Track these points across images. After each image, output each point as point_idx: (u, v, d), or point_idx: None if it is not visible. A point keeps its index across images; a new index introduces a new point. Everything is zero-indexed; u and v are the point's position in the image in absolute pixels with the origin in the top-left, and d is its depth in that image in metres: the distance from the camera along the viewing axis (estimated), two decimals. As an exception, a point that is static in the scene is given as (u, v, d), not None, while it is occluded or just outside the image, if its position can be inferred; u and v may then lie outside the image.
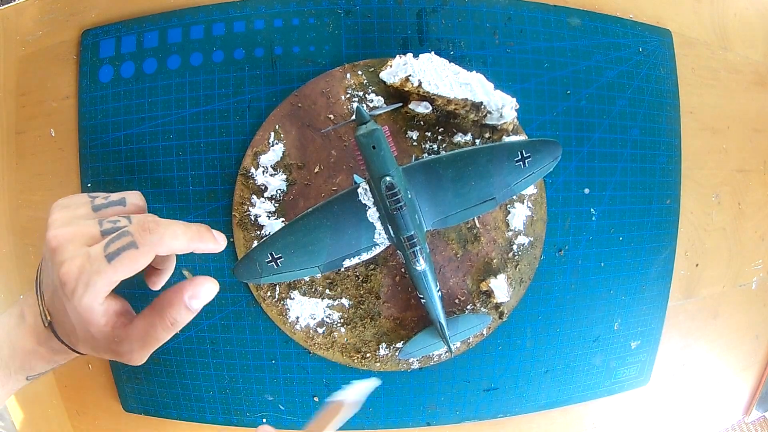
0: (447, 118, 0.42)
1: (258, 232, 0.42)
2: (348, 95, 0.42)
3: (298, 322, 0.43)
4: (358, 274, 0.43)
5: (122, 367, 0.46)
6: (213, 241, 0.32)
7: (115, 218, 0.31)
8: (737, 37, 0.52)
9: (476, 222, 0.43)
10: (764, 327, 0.57)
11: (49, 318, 0.31)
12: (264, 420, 0.45)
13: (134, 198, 0.33)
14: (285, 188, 0.42)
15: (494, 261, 0.44)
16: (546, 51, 0.45)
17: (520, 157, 0.36)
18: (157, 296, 0.32)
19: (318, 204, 0.36)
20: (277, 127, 0.42)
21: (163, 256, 0.36)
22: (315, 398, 0.45)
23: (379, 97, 0.42)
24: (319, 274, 0.38)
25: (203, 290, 0.32)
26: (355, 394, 0.35)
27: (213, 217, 0.43)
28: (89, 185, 0.44)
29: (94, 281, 0.28)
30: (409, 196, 0.36)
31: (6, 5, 0.46)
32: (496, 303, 0.43)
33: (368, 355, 0.43)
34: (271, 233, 0.36)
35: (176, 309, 0.31)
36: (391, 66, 0.40)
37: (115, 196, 0.33)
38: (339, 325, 0.43)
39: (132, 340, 0.31)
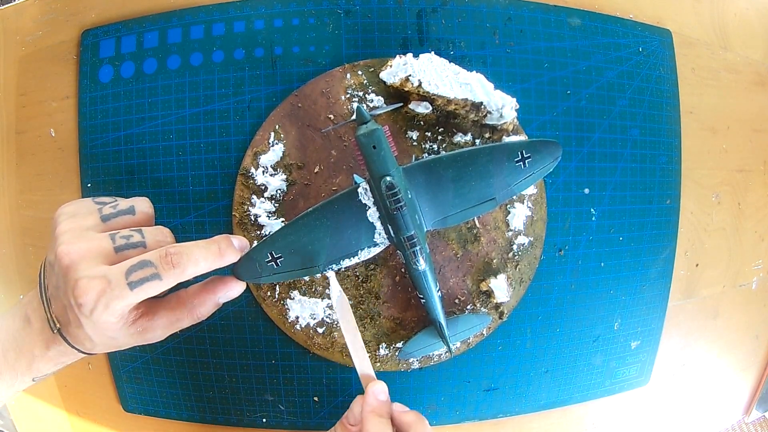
0: (447, 118, 0.42)
1: (258, 232, 0.42)
2: (348, 95, 0.42)
3: (298, 322, 0.43)
4: (358, 274, 0.43)
5: (122, 367, 0.46)
6: (233, 254, 0.32)
7: (128, 233, 0.30)
8: (737, 37, 0.52)
9: (476, 222, 0.43)
10: (764, 327, 0.57)
11: (58, 325, 0.31)
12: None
13: (142, 206, 0.33)
14: (285, 188, 0.42)
15: (494, 261, 0.44)
16: (546, 51, 0.45)
17: (520, 157, 0.36)
18: (184, 289, 0.33)
19: (318, 204, 0.36)
20: (277, 127, 0.42)
21: None
22: (315, 398, 0.45)
23: (379, 97, 0.42)
24: (319, 274, 0.38)
25: (234, 292, 0.34)
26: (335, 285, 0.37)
27: (213, 217, 0.43)
28: (89, 185, 0.44)
29: (114, 304, 0.28)
30: (409, 196, 0.36)
31: (6, 5, 0.46)
32: (496, 303, 0.43)
33: (368, 355, 0.43)
34: (271, 233, 0.36)
35: (207, 307, 0.33)
36: (391, 66, 0.40)
37: (123, 204, 0.33)
38: (339, 325, 0.43)
39: (155, 329, 0.32)
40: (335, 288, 0.37)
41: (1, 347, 0.32)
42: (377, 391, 0.35)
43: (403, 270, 0.43)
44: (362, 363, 0.37)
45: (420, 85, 0.39)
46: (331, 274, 0.37)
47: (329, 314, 0.43)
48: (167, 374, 0.45)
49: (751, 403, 0.59)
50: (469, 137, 0.42)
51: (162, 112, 0.43)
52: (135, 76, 0.43)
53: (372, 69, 0.42)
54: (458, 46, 0.44)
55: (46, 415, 0.49)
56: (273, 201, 0.42)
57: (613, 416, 0.51)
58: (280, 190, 0.42)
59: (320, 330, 0.43)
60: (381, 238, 0.37)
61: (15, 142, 0.46)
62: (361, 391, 0.36)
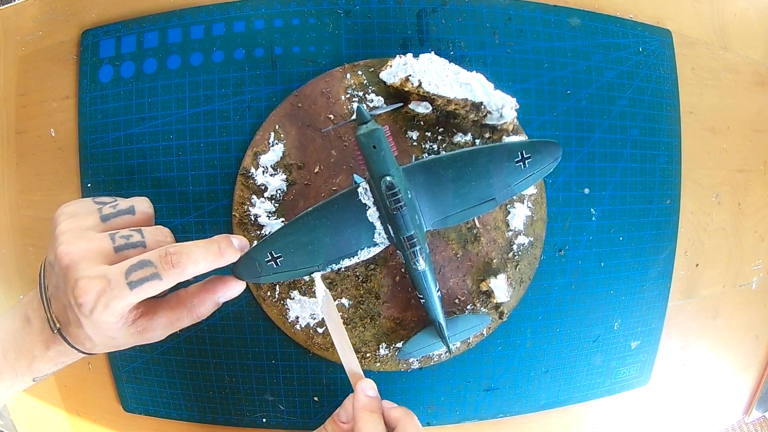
0: (447, 118, 0.42)
1: (258, 232, 0.42)
2: (348, 95, 0.42)
3: (298, 322, 0.43)
4: (358, 274, 0.43)
5: (122, 367, 0.46)
6: (233, 254, 0.32)
7: (127, 233, 0.30)
8: (737, 37, 0.52)
9: (476, 222, 0.43)
10: (764, 327, 0.57)
11: (58, 325, 0.31)
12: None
13: (142, 205, 0.33)
14: (285, 188, 0.42)
15: (494, 261, 0.44)
16: (546, 51, 0.45)
17: (520, 157, 0.36)
18: (184, 288, 0.33)
19: (318, 203, 0.36)
20: (277, 127, 0.42)
21: None
22: (315, 398, 0.45)
23: (379, 97, 0.42)
24: (319, 274, 0.38)
25: (234, 292, 0.34)
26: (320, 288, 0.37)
27: (213, 217, 0.43)
28: (89, 185, 0.44)
29: (114, 304, 0.28)
30: (409, 196, 0.36)
31: (6, 5, 0.47)
32: (496, 303, 0.43)
33: (368, 355, 0.43)
34: (271, 233, 0.36)
35: (206, 307, 0.33)
36: (391, 66, 0.40)
37: (123, 204, 0.33)
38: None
39: (155, 329, 0.32)
40: (320, 288, 0.37)
41: (1, 347, 0.32)
42: (366, 387, 0.36)
43: (403, 270, 0.43)
44: (350, 362, 0.37)
45: (420, 85, 0.39)
46: (316, 274, 0.37)
47: (329, 314, 0.43)
48: (167, 374, 0.45)
49: (751, 403, 0.59)
50: (469, 137, 0.42)
51: (162, 112, 0.43)
52: (135, 76, 0.43)
53: (372, 69, 0.42)
54: (458, 46, 0.44)
55: (46, 415, 0.49)
56: (273, 201, 0.42)
57: (613, 416, 0.51)
58: (280, 190, 0.42)
59: (320, 330, 0.43)
60: (381, 238, 0.37)
61: (15, 142, 0.46)
62: None
